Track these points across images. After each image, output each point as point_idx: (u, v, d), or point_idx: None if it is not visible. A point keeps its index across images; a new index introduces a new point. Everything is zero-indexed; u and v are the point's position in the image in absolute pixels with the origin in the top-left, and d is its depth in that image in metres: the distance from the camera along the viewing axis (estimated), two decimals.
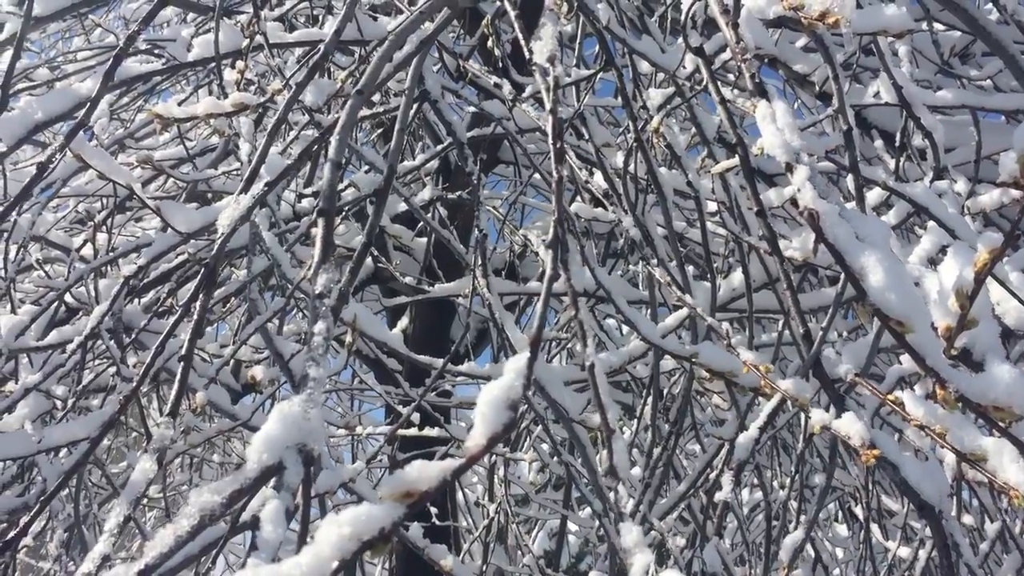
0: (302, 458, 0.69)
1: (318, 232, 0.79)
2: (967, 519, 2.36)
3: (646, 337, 1.54)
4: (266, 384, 1.60)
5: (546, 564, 4.14)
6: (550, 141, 0.74)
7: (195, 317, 1.00)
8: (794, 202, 2.54)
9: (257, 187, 1.09)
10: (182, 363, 0.95)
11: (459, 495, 4.52)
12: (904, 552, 2.68)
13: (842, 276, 1.44)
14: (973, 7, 2.41)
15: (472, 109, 2.59)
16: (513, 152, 4.08)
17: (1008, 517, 2.06)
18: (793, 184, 0.85)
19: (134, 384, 0.99)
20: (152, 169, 2.06)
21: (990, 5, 2.60)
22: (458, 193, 3.31)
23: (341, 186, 1.91)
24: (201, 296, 1.01)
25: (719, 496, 1.30)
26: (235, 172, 2.14)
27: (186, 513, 0.65)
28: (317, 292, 0.75)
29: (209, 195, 2.85)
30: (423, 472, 0.62)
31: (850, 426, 0.93)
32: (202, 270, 1.02)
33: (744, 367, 1.09)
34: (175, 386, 0.92)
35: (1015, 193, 1.54)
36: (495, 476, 3.46)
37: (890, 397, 1.16)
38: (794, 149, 0.88)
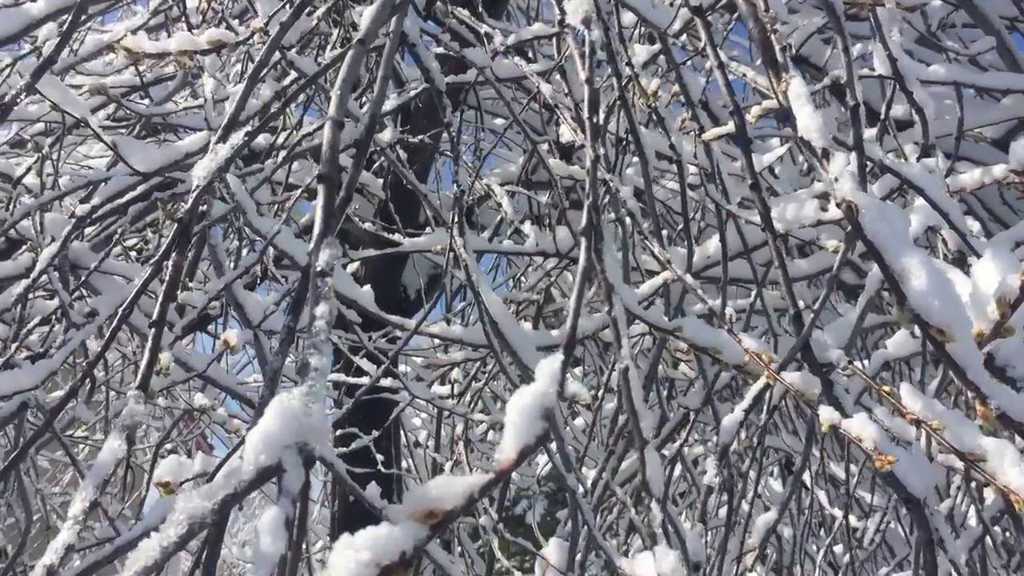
0: (303, 459, 0.62)
1: (319, 201, 0.71)
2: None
3: (628, 307, 1.49)
4: (239, 348, 1.52)
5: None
6: (586, 114, 0.67)
7: (167, 278, 0.91)
8: (771, 170, 2.48)
9: (236, 137, 1.00)
10: (153, 329, 0.87)
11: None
12: (853, 521, 2.71)
13: (839, 254, 1.40)
14: None
15: (438, 50, 2.48)
16: (476, 97, 3.97)
17: (968, 496, 2.08)
18: (829, 173, 0.79)
19: (99, 350, 0.91)
20: (106, 98, 1.93)
21: None
22: (420, 137, 3.20)
23: (310, 129, 1.82)
24: (174, 255, 0.92)
25: (705, 480, 1.26)
26: (196, 108, 2.03)
27: (173, 520, 0.58)
28: (319, 269, 0.67)
29: (159, 128, 2.71)
30: (447, 489, 0.56)
31: (862, 428, 0.89)
32: (176, 226, 0.93)
33: (746, 355, 1.04)
34: (146, 355, 0.84)
35: (998, 173, 1.49)
36: (442, 429, 3.42)
37: (885, 389, 1.13)
38: (830, 134, 0.82)
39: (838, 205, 0.77)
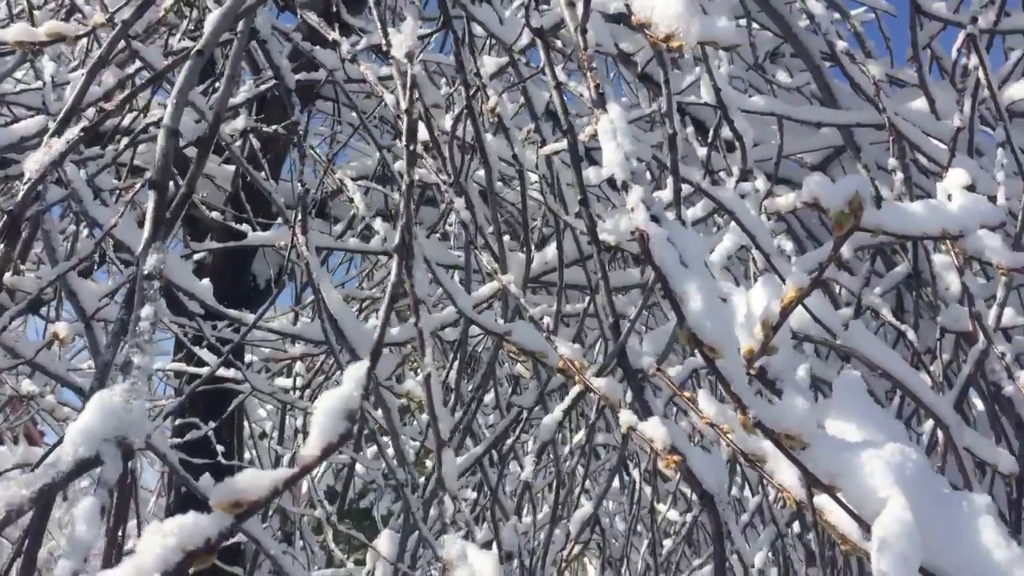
0: (121, 452, 0.66)
1: (149, 206, 0.75)
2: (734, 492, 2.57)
3: (462, 311, 1.56)
4: (69, 341, 1.50)
5: (329, 501, 4.16)
6: (404, 143, 0.73)
7: None
8: (611, 182, 2.63)
9: (72, 132, 1.01)
10: None
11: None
12: (673, 515, 2.89)
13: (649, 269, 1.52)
14: (789, 15, 2.57)
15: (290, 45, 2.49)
16: (334, 90, 3.97)
17: (767, 494, 2.26)
18: (628, 203, 0.88)
19: None
20: None
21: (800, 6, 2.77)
22: (274, 127, 3.18)
23: (156, 116, 1.81)
24: (3, 248, 0.93)
25: (522, 476, 1.35)
26: (35, 89, 1.97)
27: None
28: (145, 273, 0.71)
29: None
30: (253, 482, 0.61)
31: (654, 430, 0.99)
32: (4, 217, 0.94)
33: (560, 361, 1.13)
34: None
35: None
36: (286, 421, 3.42)
37: (687, 395, 1.25)
38: (631, 168, 0.92)
39: (632, 234, 0.87)
